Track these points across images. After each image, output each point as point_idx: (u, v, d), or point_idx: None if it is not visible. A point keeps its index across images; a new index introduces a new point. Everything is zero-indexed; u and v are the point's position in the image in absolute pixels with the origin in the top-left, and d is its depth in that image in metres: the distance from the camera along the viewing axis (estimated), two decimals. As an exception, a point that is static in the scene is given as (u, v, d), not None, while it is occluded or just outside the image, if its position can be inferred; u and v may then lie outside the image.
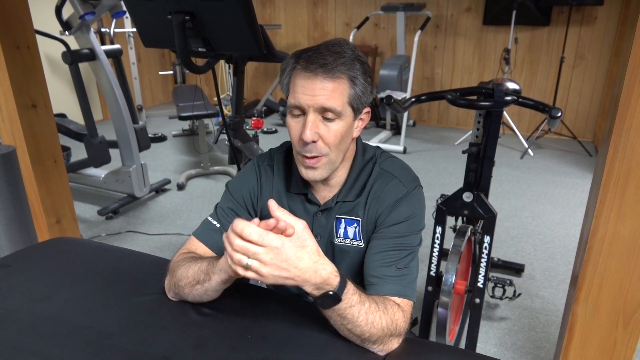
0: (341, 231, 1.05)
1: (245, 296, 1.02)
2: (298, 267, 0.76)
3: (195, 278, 0.91)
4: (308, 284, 0.79)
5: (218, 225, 1.03)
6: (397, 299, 0.92)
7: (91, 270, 1.11)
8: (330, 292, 0.80)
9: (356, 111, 0.95)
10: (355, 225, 1.04)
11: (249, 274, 0.76)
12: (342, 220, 1.05)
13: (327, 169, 0.97)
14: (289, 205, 1.07)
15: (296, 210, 1.07)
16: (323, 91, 0.89)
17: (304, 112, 0.92)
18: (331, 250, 1.08)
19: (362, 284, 1.11)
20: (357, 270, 1.08)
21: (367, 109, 0.99)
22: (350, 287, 0.82)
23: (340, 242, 1.06)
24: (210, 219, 1.05)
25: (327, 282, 0.79)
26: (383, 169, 1.04)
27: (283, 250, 0.75)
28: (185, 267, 0.94)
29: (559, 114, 1.33)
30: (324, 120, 0.92)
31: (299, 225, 0.78)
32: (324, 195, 1.06)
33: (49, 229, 2.02)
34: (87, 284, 1.05)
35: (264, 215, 1.08)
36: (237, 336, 0.88)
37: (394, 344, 0.89)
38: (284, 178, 1.08)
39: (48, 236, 2.00)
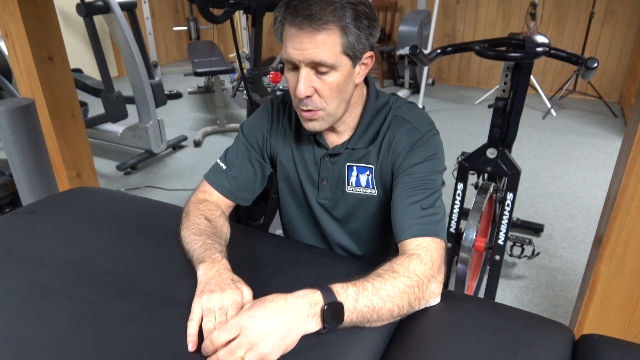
0: (353, 179, 1.03)
1: (260, 247, 1.03)
2: (276, 326, 0.70)
3: (186, 250, 0.93)
4: (301, 325, 0.72)
5: (224, 167, 1.07)
6: (421, 240, 0.86)
7: (114, 217, 1.12)
8: (325, 307, 0.72)
9: (354, 58, 0.89)
10: (368, 172, 1.02)
11: None
12: (354, 167, 1.02)
13: (327, 121, 0.94)
14: (297, 145, 1.06)
15: (304, 151, 1.06)
16: (311, 44, 0.84)
17: (297, 67, 0.88)
18: (343, 199, 1.06)
19: (381, 234, 1.10)
20: (373, 220, 1.07)
21: (370, 53, 0.92)
22: (336, 287, 0.75)
23: (353, 190, 1.04)
24: (219, 161, 1.08)
25: (310, 302, 0.73)
26: (397, 115, 1.00)
27: (261, 332, 0.69)
28: (186, 231, 0.95)
29: (595, 65, 1.26)
30: (317, 73, 0.88)
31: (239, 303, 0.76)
32: (332, 140, 1.04)
33: (70, 182, 2.05)
34: (111, 230, 1.06)
35: (273, 153, 1.09)
36: (260, 283, 0.88)
37: (433, 289, 0.83)
38: (294, 117, 1.06)
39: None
